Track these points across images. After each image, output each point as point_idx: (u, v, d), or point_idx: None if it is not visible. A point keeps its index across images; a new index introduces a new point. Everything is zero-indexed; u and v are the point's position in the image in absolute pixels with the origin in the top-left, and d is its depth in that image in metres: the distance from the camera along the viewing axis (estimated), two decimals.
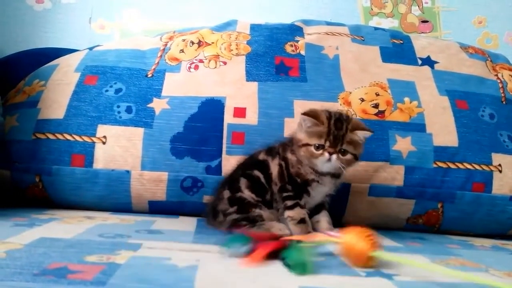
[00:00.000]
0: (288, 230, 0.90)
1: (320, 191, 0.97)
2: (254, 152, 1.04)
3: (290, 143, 0.98)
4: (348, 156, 0.91)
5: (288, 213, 0.93)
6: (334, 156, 0.89)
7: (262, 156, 1.00)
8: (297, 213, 0.92)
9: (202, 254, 0.73)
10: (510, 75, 1.36)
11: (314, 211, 0.98)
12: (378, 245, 0.71)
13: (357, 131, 0.91)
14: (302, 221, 0.92)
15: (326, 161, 0.90)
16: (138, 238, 0.82)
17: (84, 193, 1.12)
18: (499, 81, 1.32)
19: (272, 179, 0.97)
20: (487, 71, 1.35)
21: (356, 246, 0.71)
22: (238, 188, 0.96)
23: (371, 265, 0.71)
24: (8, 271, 0.56)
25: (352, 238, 0.72)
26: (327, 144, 0.89)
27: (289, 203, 0.94)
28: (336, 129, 0.90)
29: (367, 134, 0.92)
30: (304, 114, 0.91)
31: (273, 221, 0.93)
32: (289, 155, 0.97)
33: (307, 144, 0.91)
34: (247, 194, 0.95)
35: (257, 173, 0.97)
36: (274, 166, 0.98)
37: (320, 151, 0.90)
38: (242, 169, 1.00)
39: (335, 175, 0.95)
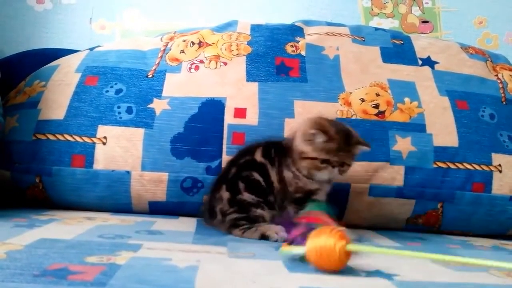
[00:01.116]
0: (284, 233, 0.88)
1: (321, 196, 0.97)
2: (247, 147, 1.03)
3: (286, 153, 0.97)
4: (346, 168, 0.94)
5: None
6: (336, 169, 0.92)
7: (259, 158, 0.97)
8: None
9: (202, 255, 0.73)
10: (510, 75, 1.36)
11: None
12: (346, 236, 0.66)
13: (359, 146, 0.94)
14: None
15: (328, 173, 0.93)
16: (138, 239, 0.82)
17: (84, 193, 1.12)
18: (499, 81, 1.32)
19: (274, 187, 0.96)
20: (488, 71, 1.35)
21: (323, 244, 0.65)
22: (238, 191, 0.95)
23: (345, 262, 0.67)
24: (9, 272, 0.56)
25: (315, 240, 0.67)
26: (335, 159, 0.91)
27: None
28: (345, 146, 0.92)
29: (366, 149, 0.96)
30: (316, 128, 0.91)
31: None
32: (286, 173, 0.96)
33: (315, 158, 0.92)
34: (246, 196, 0.94)
35: (256, 176, 0.95)
36: (274, 176, 0.96)
37: (325, 165, 0.92)
38: (237, 169, 0.98)
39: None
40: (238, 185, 0.95)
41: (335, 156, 0.91)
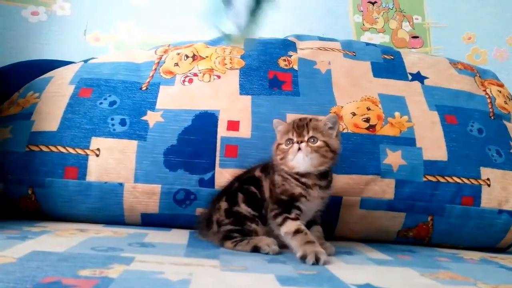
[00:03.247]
0: (276, 246, 0.90)
1: (309, 207, 0.96)
2: (252, 166, 1.05)
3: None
4: (319, 143, 0.92)
5: (281, 229, 0.91)
6: (303, 144, 0.92)
7: (258, 173, 1.01)
8: (289, 226, 0.91)
9: (194, 268, 0.74)
10: (498, 90, 1.39)
11: (306, 226, 0.98)
12: None
13: (318, 117, 0.96)
14: (297, 231, 0.89)
15: (297, 152, 0.91)
16: (131, 252, 0.82)
17: (76, 205, 1.12)
18: (487, 96, 1.35)
19: (265, 198, 0.98)
20: (476, 86, 1.37)
21: None
22: (235, 202, 0.96)
23: None
24: (2, 286, 0.56)
25: None
26: (294, 135, 0.93)
27: (279, 220, 0.92)
28: (300, 122, 0.95)
29: (330, 117, 0.96)
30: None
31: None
32: (275, 176, 0.97)
33: (279, 144, 0.95)
34: (243, 208, 0.96)
35: (253, 189, 0.98)
36: (266, 187, 0.98)
37: (290, 144, 0.93)
38: (240, 183, 1.00)
39: (321, 185, 0.95)
40: (237, 197, 0.97)
41: (294, 132, 0.93)
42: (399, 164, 1.16)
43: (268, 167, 1.01)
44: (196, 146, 1.15)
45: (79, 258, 0.74)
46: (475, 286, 0.75)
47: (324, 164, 0.93)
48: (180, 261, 0.78)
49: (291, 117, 1.19)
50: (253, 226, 0.95)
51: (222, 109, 1.20)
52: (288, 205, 0.93)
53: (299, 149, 0.91)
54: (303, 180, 0.94)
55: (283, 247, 0.93)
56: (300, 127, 0.93)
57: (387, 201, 1.15)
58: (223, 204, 0.98)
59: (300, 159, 0.92)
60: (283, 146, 0.94)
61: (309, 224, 0.98)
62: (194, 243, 0.96)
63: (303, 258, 0.83)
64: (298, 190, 0.94)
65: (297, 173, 0.94)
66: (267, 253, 0.89)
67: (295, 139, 0.93)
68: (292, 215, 0.92)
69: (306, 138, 0.92)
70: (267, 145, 1.14)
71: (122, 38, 1.65)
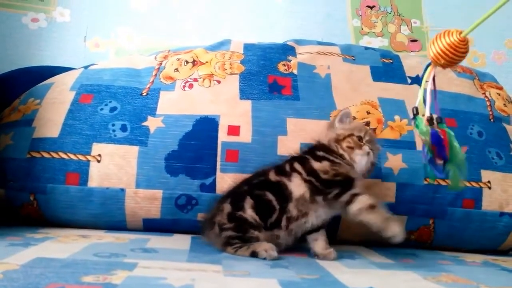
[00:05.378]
0: (275, 252, 0.89)
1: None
2: (263, 170, 1.03)
3: (309, 153, 1.02)
4: (375, 156, 1.01)
5: (352, 208, 0.90)
6: (371, 152, 0.99)
7: (274, 177, 0.99)
8: (361, 201, 0.90)
9: (197, 273, 0.74)
10: (497, 93, 1.39)
11: (314, 229, 0.98)
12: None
13: (375, 140, 1.05)
14: (372, 206, 0.89)
15: (366, 154, 0.99)
16: (134, 257, 0.82)
17: (78, 211, 1.12)
18: (486, 99, 1.36)
19: (291, 198, 0.96)
20: (475, 89, 1.38)
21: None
22: (241, 207, 0.95)
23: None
24: None
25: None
26: (366, 138, 1.01)
27: (344, 198, 0.92)
28: (370, 130, 1.05)
29: (379, 148, 1.05)
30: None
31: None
32: (316, 164, 0.97)
33: (352, 135, 1.01)
34: (249, 214, 0.94)
35: (269, 196, 0.95)
36: (295, 186, 0.96)
37: (362, 143, 1.00)
38: (250, 188, 0.98)
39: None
40: (245, 201, 0.95)
41: (366, 135, 1.01)
42: (399, 168, 1.17)
43: (283, 168, 0.99)
44: (197, 151, 1.15)
45: (82, 265, 0.74)
46: None
47: (366, 176, 1.02)
48: (182, 267, 0.78)
49: (291, 121, 1.20)
50: (256, 233, 0.93)
51: (222, 114, 1.20)
52: (346, 185, 0.94)
53: (369, 153, 0.99)
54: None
55: (284, 252, 0.93)
56: (371, 136, 1.03)
57: (388, 204, 1.14)
58: (227, 207, 0.97)
59: (364, 161, 0.99)
60: (356, 140, 1.00)
61: (318, 229, 0.98)
62: (197, 248, 0.96)
63: (392, 236, 0.87)
64: (355, 174, 0.97)
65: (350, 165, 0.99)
66: (264, 259, 0.88)
67: (366, 143, 1.00)
68: (357, 191, 0.92)
69: (371, 148, 1.00)
70: (268, 149, 1.16)
71: (122, 44, 1.66)
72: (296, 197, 0.95)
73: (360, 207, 0.90)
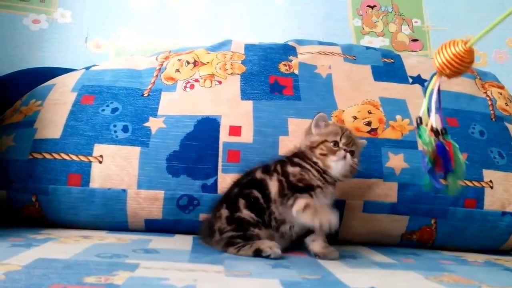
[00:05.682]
0: (278, 249, 0.90)
1: (322, 202, 0.96)
2: (251, 169, 1.05)
3: (289, 158, 1.02)
4: (355, 159, 1.00)
5: (293, 210, 0.92)
6: (348, 155, 0.98)
7: (259, 175, 1.01)
8: (297, 204, 0.92)
9: (199, 274, 0.74)
10: (499, 92, 1.39)
11: (310, 231, 0.98)
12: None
13: (356, 138, 1.03)
14: (306, 207, 0.90)
15: (342, 159, 0.97)
16: (135, 258, 0.82)
17: (80, 212, 1.12)
18: (488, 98, 1.36)
19: (271, 198, 0.97)
20: (477, 88, 1.38)
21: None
22: (237, 208, 0.96)
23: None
24: None
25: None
26: (342, 141, 0.99)
27: (290, 201, 0.93)
28: (349, 133, 1.01)
29: (363, 142, 1.05)
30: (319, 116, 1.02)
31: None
32: (290, 168, 0.99)
33: (325, 141, 0.99)
34: (246, 214, 0.95)
35: (256, 193, 0.97)
36: (273, 185, 0.98)
37: (336, 148, 0.98)
38: (240, 188, 1.00)
39: (334, 184, 1.00)
40: (238, 202, 0.97)
41: (342, 138, 0.99)
42: (401, 167, 1.16)
43: (269, 168, 1.01)
44: (198, 151, 1.15)
45: (84, 265, 0.74)
46: None
47: (348, 176, 1.01)
48: (184, 267, 0.78)
49: (292, 121, 1.20)
50: (256, 230, 0.94)
51: (223, 114, 1.20)
52: (302, 191, 0.95)
53: (345, 157, 0.97)
54: (325, 176, 0.99)
55: (286, 251, 0.93)
56: (348, 137, 1.00)
57: (390, 204, 1.15)
58: (224, 212, 0.97)
59: (340, 165, 0.98)
60: (330, 145, 0.98)
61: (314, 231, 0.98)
62: (198, 249, 0.96)
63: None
64: (317, 182, 0.97)
65: (325, 171, 0.98)
66: (268, 256, 0.88)
67: (342, 146, 0.98)
68: (303, 196, 0.93)
69: (349, 149, 0.99)
70: (269, 149, 1.16)
71: (123, 45, 1.66)
72: (273, 197, 0.97)
73: (297, 209, 0.91)
